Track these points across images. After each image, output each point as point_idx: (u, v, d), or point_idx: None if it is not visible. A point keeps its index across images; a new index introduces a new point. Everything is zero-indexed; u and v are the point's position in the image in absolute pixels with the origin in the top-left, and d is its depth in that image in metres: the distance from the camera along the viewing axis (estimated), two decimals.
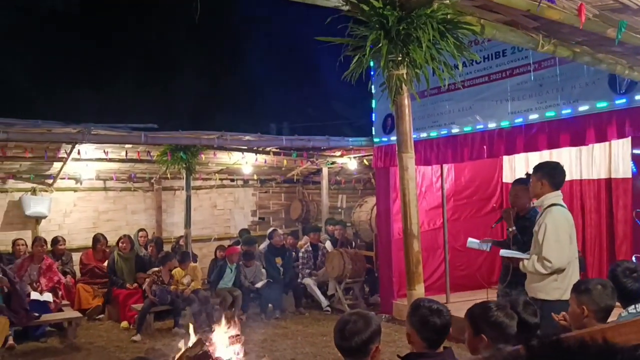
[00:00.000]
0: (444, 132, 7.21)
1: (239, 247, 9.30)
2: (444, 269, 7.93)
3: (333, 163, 10.92)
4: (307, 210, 12.31)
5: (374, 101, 8.27)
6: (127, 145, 8.64)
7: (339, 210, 12.29)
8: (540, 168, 4.38)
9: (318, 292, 8.86)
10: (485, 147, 6.61)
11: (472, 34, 3.17)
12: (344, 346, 2.52)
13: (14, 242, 8.77)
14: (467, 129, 6.88)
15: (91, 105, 13.75)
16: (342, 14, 2.95)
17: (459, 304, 7.15)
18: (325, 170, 11.05)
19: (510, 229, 4.93)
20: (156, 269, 8.31)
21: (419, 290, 3.19)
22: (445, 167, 7.96)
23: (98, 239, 9.36)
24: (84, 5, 16.16)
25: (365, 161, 10.41)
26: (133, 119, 8.94)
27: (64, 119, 7.63)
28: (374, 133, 8.34)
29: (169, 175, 10.45)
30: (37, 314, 7.11)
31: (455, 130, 7.05)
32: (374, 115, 8.33)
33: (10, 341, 6.71)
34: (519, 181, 5.15)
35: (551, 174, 4.30)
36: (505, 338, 2.53)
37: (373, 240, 9.25)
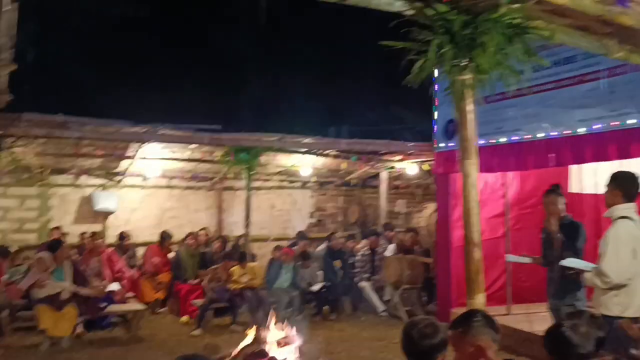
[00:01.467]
0: (508, 138, 7.02)
1: (293, 248, 9.39)
2: (505, 280, 7.71)
3: (392, 167, 10.84)
4: (365, 214, 12.28)
5: (436, 106, 8.16)
6: (191, 146, 8.90)
7: (398, 215, 12.19)
8: (615, 178, 4.22)
9: (374, 297, 8.82)
10: (551, 155, 6.39)
11: (541, 39, 3.08)
12: (411, 350, 2.50)
13: (83, 236, 9.26)
14: (533, 136, 6.67)
15: (158, 106, 14.23)
16: (406, 18, 2.94)
17: (520, 317, 6.96)
18: (384, 175, 11.00)
19: (555, 236, 5.06)
20: (215, 266, 8.51)
21: (480, 300, 3.13)
22: (509, 174, 7.74)
23: (168, 235, 9.70)
24: (153, 11, 16.75)
25: (425, 166, 10.29)
26: (198, 120, 9.20)
27: (133, 119, 7.94)
28: (435, 138, 8.22)
29: (230, 176, 10.69)
30: (103, 305, 7.44)
31: (520, 137, 6.85)
32: (435, 120, 8.21)
33: (79, 330, 7.05)
34: (551, 191, 5.35)
35: (625, 184, 4.13)
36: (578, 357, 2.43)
37: (431, 246, 9.11)
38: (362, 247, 9.65)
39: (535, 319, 6.35)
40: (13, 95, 5.60)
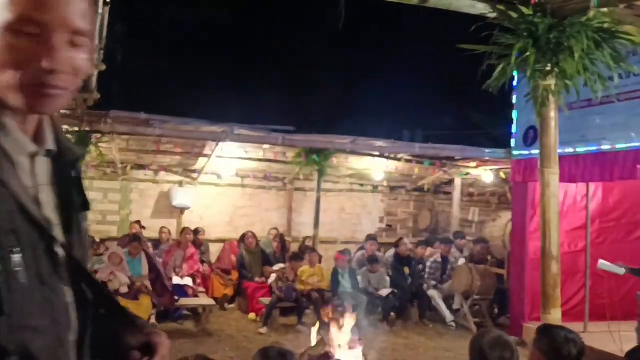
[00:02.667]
0: (592, 147, 6.67)
1: (361, 251, 9.36)
2: (583, 295, 7.33)
3: (467, 174, 10.58)
4: (436, 221, 12.05)
5: (515, 112, 7.88)
6: (265, 146, 9.06)
7: (470, 223, 11.88)
8: None
9: (443, 306, 8.63)
10: (639, 166, 6.02)
11: (631, 44, 2.90)
12: None
13: (160, 230, 9.66)
14: (620, 145, 6.30)
15: (235, 107, 14.62)
16: (488, 21, 2.85)
17: (598, 335, 6.58)
18: (457, 181, 10.74)
19: None
20: (282, 265, 8.61)
21: (555, 315, 2.99)
22: (591, 185, 7.36)
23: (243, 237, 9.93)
24: (232, 14, 17.23)
25: (501, 174, 9.97)
26: (272, 121, 9.36)
27: (211, 118, 8.19)
28: (513, 145, 7.95)
29: (301, 176, 10.80)
30: (176, 297, 7.71)
31: (605, 147, 6.49)
32: (514, 126, 7.93)
33: (152, 320, 7.34)
34: None
35: None
36: None
37: (505, 257, 8.81)
38: (431, 254, 9.47)
39: (615, 338, 6.00)
40: (101, 93, 5.91)
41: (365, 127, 10.20)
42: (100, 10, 3.75)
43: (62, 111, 6.89)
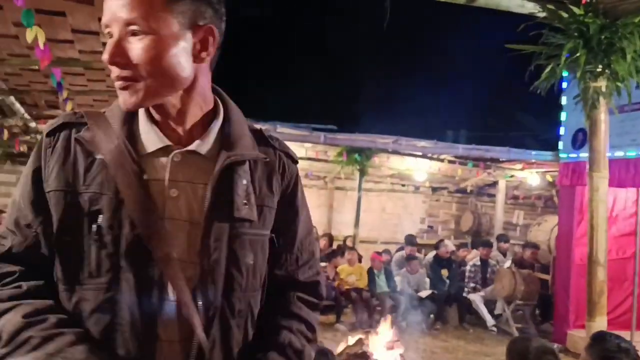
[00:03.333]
0: None
1: (401, 252, 9.30)
2: (631, 304, 7.07)
3: (512, 176, 10.36)
4: (479, 224, 11.86)
5: (564, 114, 7.67)
6: (306, 144, 9.11)
7: (515, 227, 11.64)
8: None
9: (484, 310, 8.48)
10: None
11: None
12: None
13: None
14: None
15: (278, 105, 14.75)
16: (537, 21, 2.79)
17: None
18: (502, 183, 10.54)
19: None
20: (323, 264, 8.63)
21: (601, 323, 2.91)
22: None
23: None
24: (276, 12, 17.37)
25: (548, 177, 9.73)
26: (314, 119, 9.41)
27: (254, 117, 8.27)
28: (561, 148, 7.74)
29: (342, 176, 10.80)
30: None
31: None
32: (562, 128, 7.73)
33: None
34: None
35: None
36: None
37: (550, 262, 8.60)
38: (473, 257, 9.32)
39: None
40: None
41: (408, 127, 10.13)
42: None
43: None
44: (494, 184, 11.03)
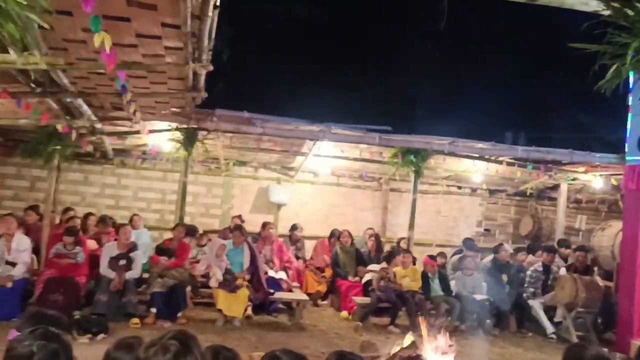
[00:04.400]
0: None
1: (457, 256, 9.14)
2: None
3: (574, 179, 10.00)
4: (539, 228, 11.50)
5: (630, 115, 7.34)
6: (361, 145, 9.09)
7: (577, 231, 11.22)
8: None
9: (543, 317, 8.22)
10: None
11: None
12: None
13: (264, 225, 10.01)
14: None
15: (333, 106, 14.79)
16: (602, 19, 2.68)
17: None
18: (564, 187, 10.18)
19: None
20: (384, 265, 8.57)
21: None
22: None
23: (334, 233, 10.06)
24: (333, 14, 17.42)
25: (613, 181, 9.33)
26: (369, 120, 9.37)
27: (309, 118, 8.34)
28: (627, 150, 7.41)
29: (397, 177, 10.72)
30: (272, 291, 7.95)
31: None
32: (628, 130, 7.39)
33: (249, 312, 7.62)
34: None
35: None
36: None
37: (614, 269, 8.24)
38: (533, 262, 9.05)
39: None
40: (208, 93, 6.22)
41: (465, 128, 9.94)
42: (210, 14, 3.95)
43: (173, 109, 7.34)
44: (555, 187, 10.67)
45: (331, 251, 9.76)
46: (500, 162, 9.44)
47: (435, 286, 8.36)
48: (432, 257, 8.72)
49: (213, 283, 7.55)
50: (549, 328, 8.09)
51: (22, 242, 7.13)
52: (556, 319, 8.26)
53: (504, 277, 8.58)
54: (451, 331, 5.03)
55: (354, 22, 17.66)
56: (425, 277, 8.37)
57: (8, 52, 3.89)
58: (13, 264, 6.98)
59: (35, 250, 7.70)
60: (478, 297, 8.23)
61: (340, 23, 17.56)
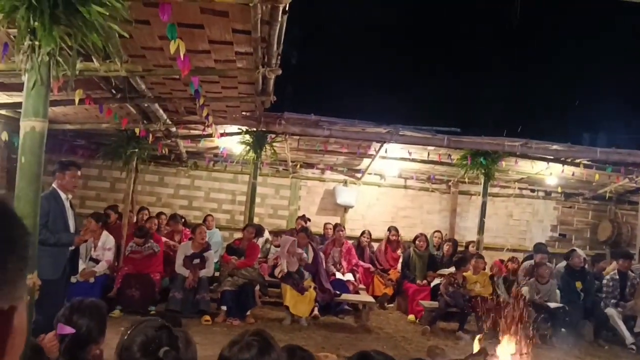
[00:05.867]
0: None
1: (529, 262, 8.83)
2: None
3: None
4: (619, 233, 10.92)
5: None
6: (429, 147, 8.96)
7: None
8: None
9: (622, 327, 7.81)
10: None
11: None
12: None
13: (324, 226, 10.10)
14: None
15: (400, 107, 14.66)
16: None
17: None
18: None
19: None
20: (452, 270, 8.42)
21: None
22: None
23: (390, 230, 10.03)
24: (399, 15, 17.28)
25: None
26: (438, 122, 9.23)
27: (376, 119, 8.32)
28: None
29: (466, 180, 10.50)
30: (338, 292, 7.98)
31: None
32: None
33: (315, 312, 7.69)
34: None
35: None
36: None
37: None
38: (611, 269, 8.60)
39: None
40: (276, 96, 6.34)
41: (539, 129, 9.60)
42: (279, 19, 4.03)
43: (243, 113, 7.53)
44: (637, 190, 10.10)
45: (392, 249, 9.75)
46: (577, 164, 9.04)
47: (499, 290, 8.15)
48: (502, 262, 8.49)
49: (277, 271, 7.71)
50: (629, 338, 7.68)
51: (107, 241, 7.53)
52: (636, 329, 7.82)
53: (578, 284, 8.22)
54: (524, 339, 4.87)
55: (422, 22, 17.44)
56: (497, 281, 8.18)
57: (92, 61, 4.13)
58: (97, 261, 7.38)
59: (115, 248, 8.12)
60: (552, 305, 7.92)
61: (407, 24, 17.39)
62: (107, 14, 2.90)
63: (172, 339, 1.94)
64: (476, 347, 4.70)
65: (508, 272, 8.89)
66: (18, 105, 4.62)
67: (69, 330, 2.43)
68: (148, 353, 1.85)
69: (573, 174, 9.53)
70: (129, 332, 1.91)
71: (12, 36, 3.65)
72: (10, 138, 6.90)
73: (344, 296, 8.08)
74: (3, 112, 6.89)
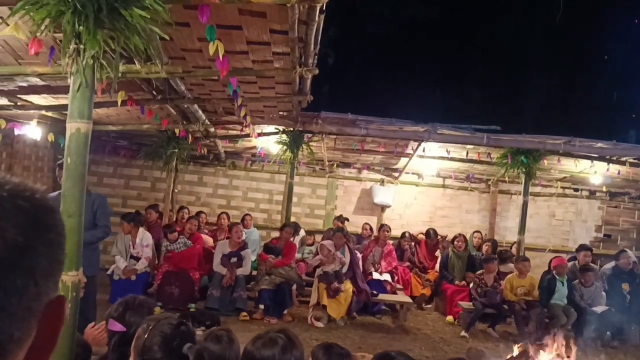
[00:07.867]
0: None
1: (573, 262, 8.58)
2: None
3: None
4: None
5: None
6: (468, 146, 8.82)
7: None
8: None
9: None
10: None
11: None
12: None
13: (362, 226, 10.06)
14: None
15: (438, 106, 14.50)
16: None
17: None
18: None
19: None
20: (480, 271, 8.31)
21: None
22: None
23: (429, 233, 9.92)
24: (440, 13, 17.06)
25: None
26: (476, 120, 9.08)
27: (413, 118, 8.24)
28: None
29: (506, 179, 10.29)
30: (375, 292, 7.95)
31: None
32: None
33: (352, 312, 7.67)
34: None
35: None
36: None
37: None
38: None
39: None
40: (313, 96, 6.35)
41: (583, 126, 9.33)
42: (316, 19, 4.03)
43: (280, 113, 7.57)
44: None
45: (428, 251, 9.66)
46: (623, 163, 8.76)
47: (562, 292, 7.83)
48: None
49: (318, 272, 7.74)
50: None
51: (145, 238, 7.69)
52: None
53: (625, 286, 7.95)
54: (567, 342, 4.74)
55: (460, 20, 17.18)
56: (551, 282, 7.84)
57: (134, 63, 4.22)
58: (137, 258, 7.55)
59: (156, 246, 8.28)
60: (597, 309, 7.67)
61: (445, 21, 17.17)
62: (149, 17, 2.96)
63: (190, 334, 1.97)
64: (517, 349, 4.61)
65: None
66: (64, 107, 4.76)
67: (119, 327, 2.48)
68: (170, 352, 1.88)
69: (619, 173, 9.22)
70: (146, 334, 1.93)
71: (58, 40, 3.76)
72: (56, 139, 7.11)
73: (381, 296, 8.04)
74: (50, 114, 7.11)
